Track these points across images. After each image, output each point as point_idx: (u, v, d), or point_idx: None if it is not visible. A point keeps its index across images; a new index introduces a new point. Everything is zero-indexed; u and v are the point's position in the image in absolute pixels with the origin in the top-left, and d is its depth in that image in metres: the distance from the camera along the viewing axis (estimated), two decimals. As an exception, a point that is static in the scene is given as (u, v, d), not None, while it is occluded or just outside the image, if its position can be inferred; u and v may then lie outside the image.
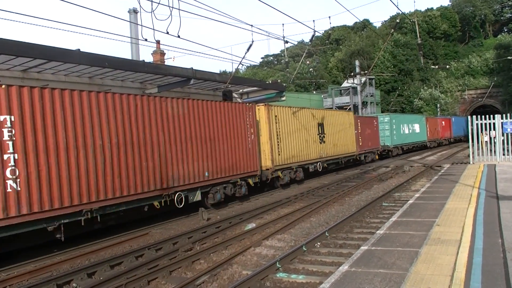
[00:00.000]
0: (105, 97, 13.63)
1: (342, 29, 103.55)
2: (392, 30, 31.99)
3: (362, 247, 8.58)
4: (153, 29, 12.94)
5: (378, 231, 9.85)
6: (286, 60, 40.95)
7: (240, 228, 14.17)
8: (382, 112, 65.71)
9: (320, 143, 27.51)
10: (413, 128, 47.57)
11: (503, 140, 24.93)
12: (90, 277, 10.02)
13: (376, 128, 39.08)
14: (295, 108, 25.21)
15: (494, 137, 25.11)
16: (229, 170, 18.33)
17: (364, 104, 57.33)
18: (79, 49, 19.09)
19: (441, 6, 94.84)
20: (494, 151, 25.29)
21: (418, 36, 28.24)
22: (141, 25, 13.70)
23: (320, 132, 27.68)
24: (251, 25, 18.61)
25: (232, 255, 10.74)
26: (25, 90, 11.20)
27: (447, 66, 63.51)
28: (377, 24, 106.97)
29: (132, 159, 13.83)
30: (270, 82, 35.95)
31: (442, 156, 41.09)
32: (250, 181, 19.96)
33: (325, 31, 72.52)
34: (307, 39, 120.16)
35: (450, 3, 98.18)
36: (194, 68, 24.65)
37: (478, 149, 25.75)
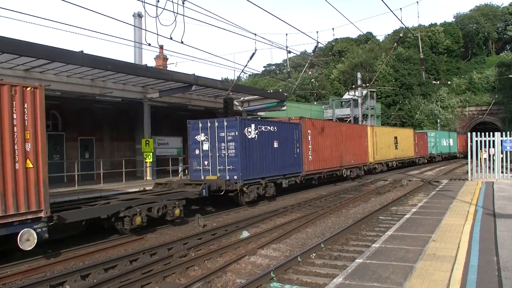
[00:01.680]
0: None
1: (345, 41, 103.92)
2: (395, 44, 32.06)
3: (357, 260, 8.56)
4: (157, 34, 13.01)
5: (373, 245, 9.83)
6: (288, 70, 40.90)
7: (236, 236, 14.15)
8: (382, 125, 65.99)
9: (395, 149, 43.08)
10: (448, 142, 62.46)
11: (502, 158, 24.96)
12: (83, 279, 9.99)
13: (426, 140, 54.52)
14: (386, 128, 44.00)
15: (493, 155, 25.14)
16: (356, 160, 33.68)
17: (365, 116, 57.41)
18: (82, 51, 19.14)
19: (444, 22, 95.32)
20: (493, 169, 25.32)
21: (421, 50, 28.30)
22: (145, 30, 13.77)
23: (395, 142, 43.21)
24: (255, 34, 18.69)
25: (227, 263, 10.71)
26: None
27: (449, 82, 63.74)
28: (380, 37, 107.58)
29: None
30: (272, 91, 36.00)
31: (441, 171, 41.10)
32: (365, 168, 35.70)
33: (328, 42, 72.70)
34: (310, 49, 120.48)
35: (453, 19, 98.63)
36: (196, 74, 24.71)
37: (476, 166, 25.78)
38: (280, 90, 36.58)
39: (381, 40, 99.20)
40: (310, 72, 70.50)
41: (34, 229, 11.01)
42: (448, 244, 9.50)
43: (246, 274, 10.11)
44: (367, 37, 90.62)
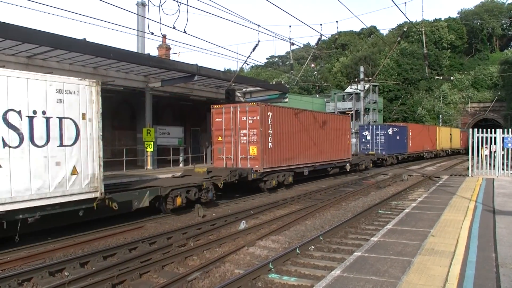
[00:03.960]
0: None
1: (349, 34, 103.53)
2: (399, 38, 31.96)
3: (355, 253, 8.58)
4: (160, 23, 12.96)
5: (372, 238, 9.85)
6: (291, 62, 40.82)
7: (235, 227, 14.17)
8: (384, 120, 66.04)
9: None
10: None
11: (503, 155, 24.94)
12: (82, 266, 10.02)
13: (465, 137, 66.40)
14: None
15: (494, 152, 25.12)
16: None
17: (367, 110, 57.34)
18: (85, 39, 19.10)
19: (449, 17, 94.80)
20: (494, 166, 25.30)
21: (425, 45, 28.17)
22: (149, 19, 13.72)
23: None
24: (258, 25, 18.64)
25: (225, 253, 10.74)
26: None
27: (452, 78, 63.61)
28: (384, 31, 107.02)
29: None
30: (274, 83, 35.95)
31: (441, 167, 41.08)
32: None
33: (331, 35, 72.35)
34: (313, 42, 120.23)
35: (458, 15, 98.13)
36: (198, 64, 24.66)
37: (477, 162, 25.76)
38: (283, 82, 36.52)
39: (384, 34, 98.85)
40: (313, 65, 70.37)
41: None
42: (447, 239, 9.52)
43: (244, 264, 10.14)
44: (371, 31, 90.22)
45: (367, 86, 51.60)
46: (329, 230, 12.95)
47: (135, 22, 37.57)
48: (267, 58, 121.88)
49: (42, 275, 9.20)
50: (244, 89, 32.16)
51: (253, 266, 9.67)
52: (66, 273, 9.58)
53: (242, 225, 14.06)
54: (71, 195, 11.76)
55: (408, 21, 23.94)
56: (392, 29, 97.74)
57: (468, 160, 27.33)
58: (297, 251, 10.71)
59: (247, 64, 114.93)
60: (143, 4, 32.70)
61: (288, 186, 23.29)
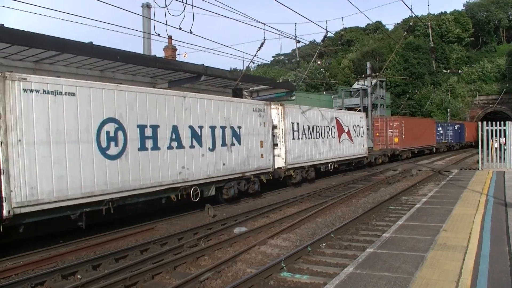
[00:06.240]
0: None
1: (355, 30, 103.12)
2: (405, 32, 31.79)
3: (367, 250, 8.55)
4: (166, 24, 12.97)
5: (384, 234, 9.82)
6: (298, 59, 40.76)
7: (246, 225, 14.16)
8: (391, 114, 65.76)
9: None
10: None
11: (513, 147, 24.74)
12: (95, 269, 10.07)
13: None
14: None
15: (504, 144, 24.93)
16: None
17: (374, 106, 57.08)
18: (91, 42, 19.14)
19: (454, 10, 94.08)
20: (504, 158, 25.12)
21: (431, 39, 28.00)
22: (154, 20, 13.74)
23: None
24: (264, 24, 18.58)
25: (237, 252, 10.74)
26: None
27: (459, 71, 63.26)
28: (390, 26, 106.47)
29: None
30: (281, 81, 35.86)
31: (451, 161, 40.89)
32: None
33: (337, 31, 72.07)
34: (318, 39, 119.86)
35: (464, 8, 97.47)
36: (205, 64, 24.65)
37: (487, 155, 25.59)
38: (290, 80, 36.45)
39: (390, 29, 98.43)
40: (319, 62, 70.14)
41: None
42: (459, 234, 9.46)
43: (256, 263, 10.14)
44: (377, 26, 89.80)
45: (374, 81, 51.38)
46: (340, 227, 12.92)
47: (140, 24, 37.64)
48: (273, 57, 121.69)
49: (55, 279, 9.25)
50: (251, 88, 32.09)
51: (265, 264, 9.66)
52: (78, 276, 9.62)
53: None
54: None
55: (414, 15, 23.82)
56: (398, 24, 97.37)
57: (477, 153, 27.14)
58: (309, 248, 10.69)
59: (253, 62, 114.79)
60: (148, 6, 32.73)
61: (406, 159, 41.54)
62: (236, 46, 60.48)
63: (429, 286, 6.41)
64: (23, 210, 10.70)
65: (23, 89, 10.84)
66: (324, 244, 11.43)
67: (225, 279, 9.13)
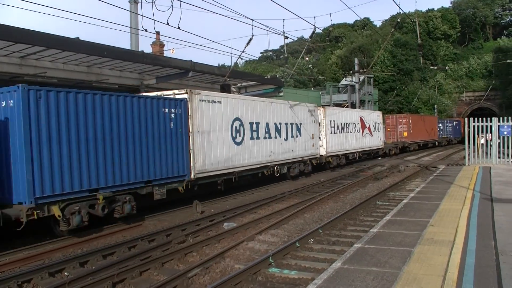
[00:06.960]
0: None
1: (342, 26, 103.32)
2: (393, 29, 31.93)
3: (355, 245, 8.58)
4: (154, 20, 12.91)
5: (371, 229, 9.86)
6: (286, 55, 40.81)
7: (234, 221, 14.14)
8: (379, 110, 66.03)
9: None
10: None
11: (499, 143, 24.98)
12: (82, 266, 10.01)
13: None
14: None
15: (490, 140, 25.15)
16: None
17: (362, 102, 57.27)
18: (78, 38, 18.99)
19: (442, 7, 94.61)
20: (490, 154, 25.36)
21: (419, 36, 28.18)
22: (142, 15, 13.66)
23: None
24: (252, 19, 18.59)
25: (225, 248, 10.73)
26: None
27: (446, 68, 63.77)
28: (378, 23, 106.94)
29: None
30: (269, 77, 35.85)
31: (438, 157, 41.16)
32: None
33: (325, 28, 72.28)
34: (307, 35, 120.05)
35: (451, 5, 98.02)
36: (193, 60, 24.57)
37: (474, 151, 25.80)
38: (278, 76, 36.47)
39: (378, 26, 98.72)
40: (307, 58, 70.29)
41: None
42: (446, 228, 9.53)
43: (244, 259, 10.14)
44: (365, 23, 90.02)
45: (362, 78, 51.58)
46: (328, 223, 12.96)
47: (128, 20, 37.40)
48: (261, 53, 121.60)
49: (42, 276, 9.18)
50: (239, 84, 32.07)
51: (253, 260, 9.66)
52: (66, 273, 9.56)
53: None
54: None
55: (402, 11, 23.93)
56: (386, 20, 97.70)
57: (464, 149, 27.37)
58: (297, 244, 10.71)
59: (242, 58, 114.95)
60: (136, 1, 32.54)
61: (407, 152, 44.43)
62: (224, 42, 60.40)
63: (416, 280, 6.44)
64: (198, 175, 16.71)
65: (199, 99, 16.92)
66: (312, 240, 11.46)
67: (213, 275, 9.12)
